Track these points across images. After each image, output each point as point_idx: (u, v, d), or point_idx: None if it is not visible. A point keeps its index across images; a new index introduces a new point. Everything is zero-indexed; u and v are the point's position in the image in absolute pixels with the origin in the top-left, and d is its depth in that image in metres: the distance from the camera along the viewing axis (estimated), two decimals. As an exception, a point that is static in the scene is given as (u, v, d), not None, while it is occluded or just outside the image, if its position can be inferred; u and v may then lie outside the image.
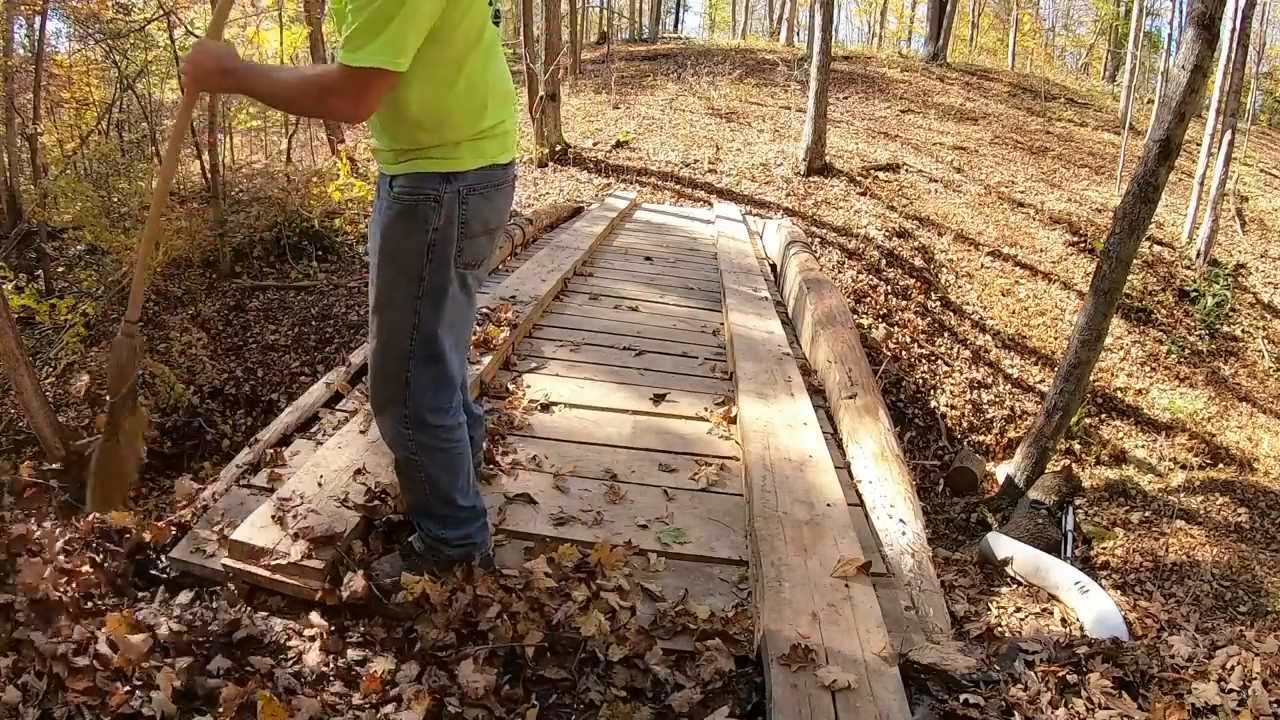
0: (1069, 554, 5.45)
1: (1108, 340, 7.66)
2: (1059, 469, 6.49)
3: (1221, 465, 7.67)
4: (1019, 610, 3.24)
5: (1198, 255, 10.54)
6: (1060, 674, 1.81)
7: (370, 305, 1.79)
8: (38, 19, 10.43)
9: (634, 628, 1.82)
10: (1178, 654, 1.93)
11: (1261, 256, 11.27)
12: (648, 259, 6.24)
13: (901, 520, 2.42)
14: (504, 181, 1.78)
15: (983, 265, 9.91)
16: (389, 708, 1.58)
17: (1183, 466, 7.57)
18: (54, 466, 5.78)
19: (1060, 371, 6.29)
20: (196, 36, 10.18)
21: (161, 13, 9.74)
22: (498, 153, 1.74)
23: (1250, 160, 14.79)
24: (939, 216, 10.69)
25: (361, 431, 2.49)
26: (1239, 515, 6.39)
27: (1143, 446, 7.87)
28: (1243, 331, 9.75)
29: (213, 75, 1.62)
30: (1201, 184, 10.96)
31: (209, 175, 9.09)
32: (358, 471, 2.21)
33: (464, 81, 1.62)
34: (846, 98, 15.45)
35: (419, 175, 1.66)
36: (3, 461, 6.69)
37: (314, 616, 1.79)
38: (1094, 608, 3.17)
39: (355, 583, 1.83)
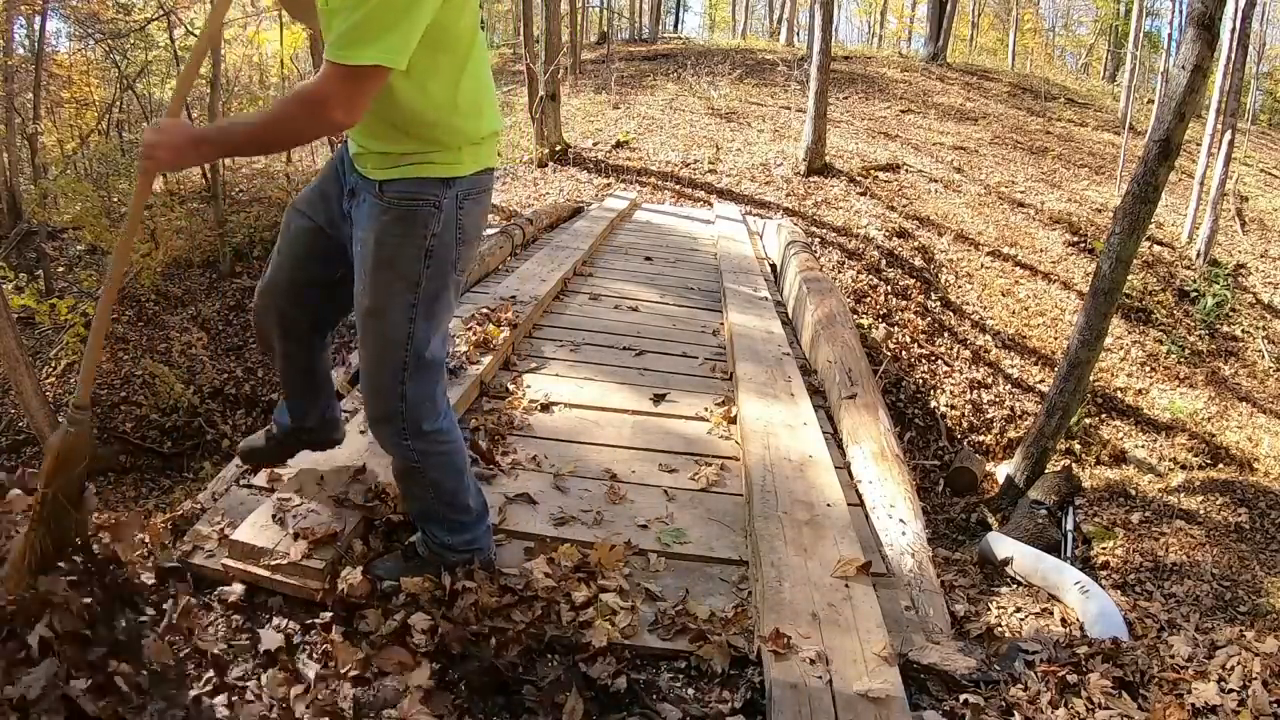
0: (1069, 554, 5.45)
1: (1108, 340, 7.66)
2: (1059, 469, 6.48)
3: (1221, 465, 7.67)
4: (1019, 610, 3.24)
5: (1198, 255, 10.54)
6: (1060, 674, 1.81)
7: (360, 314, 1.72)
8: (38, 19, 10.43)
9: (634, 628, 1.83)
10: (1178, 654, 1.94)
11: (1261, 256, 11.28)
12: (648, 259, 6.24)
13: (901, 520, 2.42)
14: (490, 186, 1.78)
15: (983, 265, 9.91)
16: (390, 711, 1.58)
17: (1183, 466, 7.57)
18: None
19: (1060, 371, 6.29)
20: (196, 36, 10.19)
21: (161, 13, 9.76)
22: (490, 157, 1.74)
23: (1250, 160, 14.80)
24: (939, 216, 10.69)
25: (361, 431, 2.48)
26: (1239, 515, 6.39)
27: (1143, 446, 7.86)
28: (1243, 331, 9.75)
29: (187, 148, 1.54)
30: (1201, 184, 10.96)
31: (209, 175, 9.10)
32: (358, 471, 2.21)
33: (468, 80, 1.62)
34: (846, 98, 15.45)
35: (418, 180, 1.63)
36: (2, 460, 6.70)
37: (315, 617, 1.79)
38: (1094, 608, 3.17)
39: (353, 577, 1.83)
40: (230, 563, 1.88)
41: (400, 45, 1.43)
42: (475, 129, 1.65)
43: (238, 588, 1.86)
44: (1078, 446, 7.65)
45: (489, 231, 8.59)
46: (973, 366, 8.46)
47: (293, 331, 1.93)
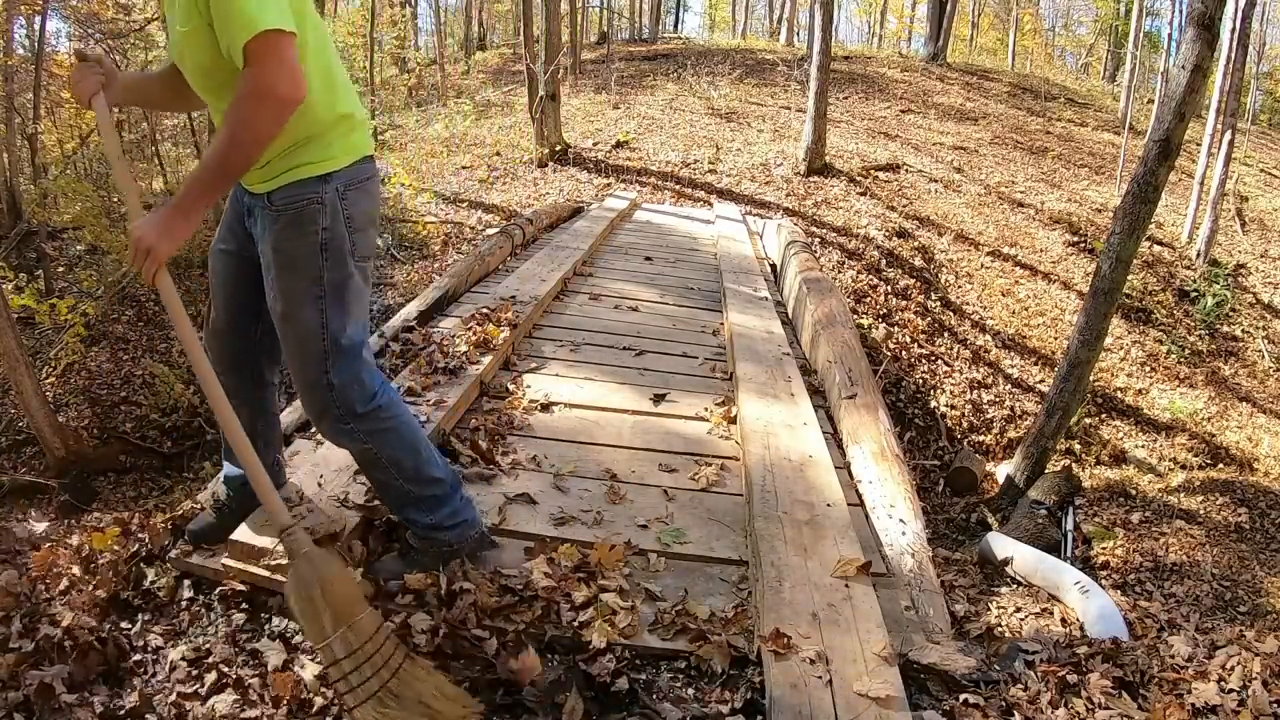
0: (1069, 554, 5.45)
1: (1108, 340, 7.65)
2: (1059, 469, 6.48)
3: (1221, 465, 7.67)
4: (1019, 610, 3.24)
5: (1198, 255, 10.53)
6: (1060, 674, 1.81)
7: (276, 320, 1.77)
8: (38, 19, 10.42)
9: (634, 628, 1.83)
10: (1178, 654, 1.94)
11: (1261, 256, 11.27)
12: (648, 259, 6.24)
13: (901, 520, 2.42)
14: (374, 174, 1.83)
15: (983, 265, 9.91)
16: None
17: (1183, 466, 7.57)
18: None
19: (1060, 371, 6.29)
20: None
21: (161, 13, 9.74)
22: (364, 145, 1.79)
23: (1250, 160, 14.80)
24: (939, 216, 10.68)
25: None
26: (1239, 515, 6.38)
27: (1143, 446, 7.86)
28: (1243, 331, 9.75)
29: (175, 223, 1.57)
30: (1201, 184, 10.96)
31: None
32: (358, 471, 2.21)
33: (313, 60, 1.65)
34: (846, 98, 15.45)
35: (299, 183, 1.68)
36: (2, 461, 6.69)
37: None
38: (1094, 608, 3.17)
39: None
40: (230, 563, 1.89)
41: (286, 12, 1.49)
42: (330, 105, 1.70)
43: (238, 588, 1.86)
44: (1078, 446, 7.64)
45: (489, 231, 8.58)
46: (973, 366, 8.46)
47: (245, 370, 1.96)
